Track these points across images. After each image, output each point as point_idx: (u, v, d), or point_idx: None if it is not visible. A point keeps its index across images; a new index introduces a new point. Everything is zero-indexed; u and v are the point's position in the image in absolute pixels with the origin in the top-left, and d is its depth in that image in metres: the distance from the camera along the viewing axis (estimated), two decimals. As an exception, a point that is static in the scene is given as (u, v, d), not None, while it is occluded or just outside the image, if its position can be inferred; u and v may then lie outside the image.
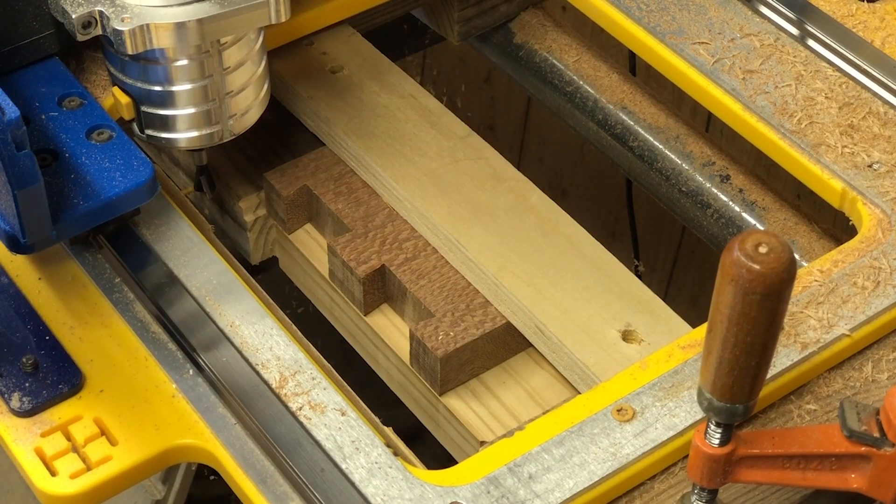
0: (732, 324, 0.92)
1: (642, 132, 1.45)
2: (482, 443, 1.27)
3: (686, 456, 1.05)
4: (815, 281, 1.20)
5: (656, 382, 1.14)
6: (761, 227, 1.37)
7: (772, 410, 1.15)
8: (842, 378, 1.17)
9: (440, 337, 1.29)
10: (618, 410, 1.12)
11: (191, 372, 1.16)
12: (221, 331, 1.18)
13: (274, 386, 1.14)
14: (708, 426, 1.00)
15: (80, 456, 1.11)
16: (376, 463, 1.09)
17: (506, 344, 1.33)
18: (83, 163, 1.22)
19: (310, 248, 1.42)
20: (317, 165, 1.43)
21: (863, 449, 1.01)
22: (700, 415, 1.09)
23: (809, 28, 1.41)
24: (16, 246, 1.16)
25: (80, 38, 1.19)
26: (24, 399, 1.13)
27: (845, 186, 1.28)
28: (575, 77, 1.50)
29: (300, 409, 1.13)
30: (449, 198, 1.38)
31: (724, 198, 1.40)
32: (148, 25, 1.18)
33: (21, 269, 1.22)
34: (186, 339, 1.18)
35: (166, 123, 1.28)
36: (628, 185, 1.88)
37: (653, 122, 1.45)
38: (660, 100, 1.48)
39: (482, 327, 1.31)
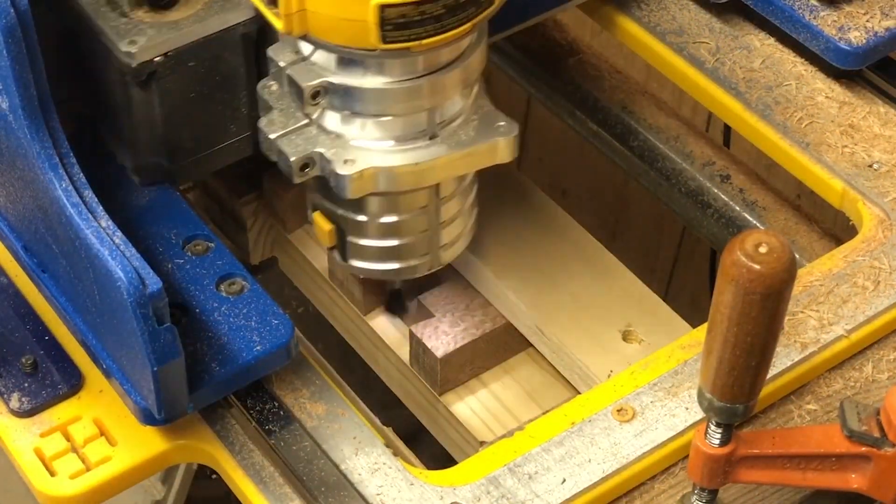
0: (732, 324, 0.92)
1: (642, 132, 1.45)
2: (482, 443, 1.27)
3: (686, 456, 1.05)
4: (815, 281, 1.20)
5: (656, 382, 1.14)
6: (761, 227, 1.37)
7: (772, 410, 1.15)
8: (842, 378, 1.17)
9: (440, 337, 1.29)
10: (618, 410, 1.12)
11: (191, 372, 1.16)
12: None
13: (274, 386, 1.14)
14: (708, 426, 1.00)
15: (80, 456, 1.11)
16: (376, 463, 1.09)
17: (506, 344, 1.32)
18: (216, 319, 1.10)
19: (310, 248, 1.42)
20: (317, 165, 1.42)
21: (863, 449, 1.01)
22: (700, 415, 1.09)
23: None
24: (149, 420, 1.08)
25: (296, 180, 1.09)
26: (23, 399, 1.13)
27: (845, 186, 1.28)
28: (575, 77, 1.50)
29: (300, 409, 1.13)
30: (449, 198, 1.38)
31: (724, 198, 1.39)
32: (372, 169, 1.09)
33: (21, 269, 1.22)
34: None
35: (374, 254, 1.20)
36: (712, 256, 1.84)
37: (653, 122, 1.45)
38: (660, 100, 1.48)
39: (482, 327, 1.31)
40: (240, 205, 1.42)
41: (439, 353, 1.28)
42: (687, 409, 1.12)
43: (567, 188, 2.20)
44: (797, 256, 1.33)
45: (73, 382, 1.14)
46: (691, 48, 1.39)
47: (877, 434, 1.00)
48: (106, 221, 1.03)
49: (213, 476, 1.15)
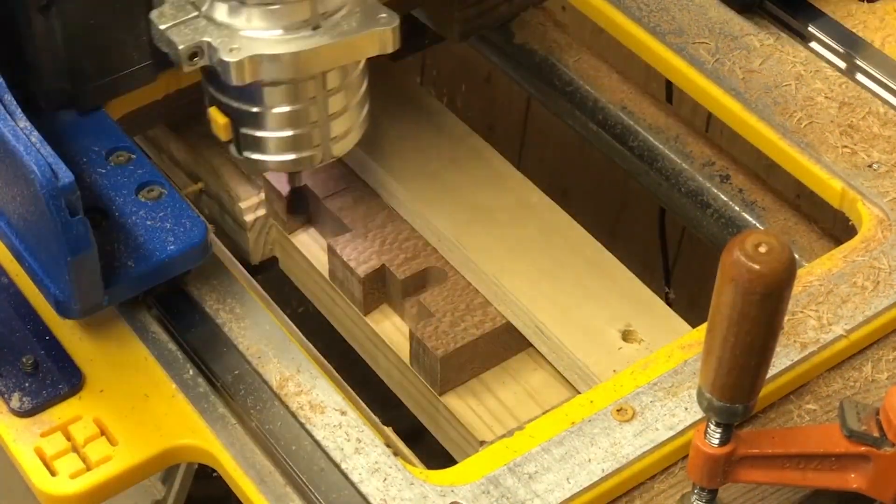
0: (732, 324, 0.92)
1: (642, 132, 1.45)
2: (482, 443, 1.27)
3: (686, 456, 1.05)
4: (815, 281, 1.20)
5: (656, 382, 1.14)
6: (761, 227, 1.37)
7: (772, 410, 1.15)
8: (841, 378, 1.17)
9: (440, 337, 1.29)
10: (618, 410, 1.12)
11: (191, 372, 1.16)
12: (221, 330, 1.18)
13: (274, 386, 1.14)
14: (708, 426, 1.00)
15: (80, 456, 1.11)
16: (376, 463, 1.09)
17: (506, 344, 1.33)
18: (134, 222, 1.17)
19: (310, 248, 1.42)
20: (317, 165, 1.43)
21: (863, 449, 1.01)
22: (700, 415, 1.09)
23: (809, 28, 1.41)
24: (65, 312, 1.13)
25: (186, 69, 1.15)
26: (24, 399, 1.13)
27: (845, 186, 1.28)
28: (575, 77, 1.50)
29: (300, 409, 1.13)
30: (449, 198, 1.38)
31: (724, 198, 1.40)
32: (256, 56, 1.14)
33: (21, 269, 1.22)
34: (186, 339, 1.18)
35: (266, 146, 1.24)
36: (661, 214, 1.86)
37: (653, 122, 1.45)
38: (660, 100, 1.48)
39: (482, 327, 1.31)
40: (240, 205, 1.43)
41: (439, 353, 1.28)
42: (686, 408, 1.12)
43: (567, 188, 2.20)
44: (797, 256, 1.33)
45: (73, 382, 1.14)
46: (691, 48, 1.39)
47: (876, 434, 1.00)
48: (24, 122, 1.09)
49: (214, 476, 1.15)
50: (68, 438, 1.12)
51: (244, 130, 1.23)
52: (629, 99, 1.47)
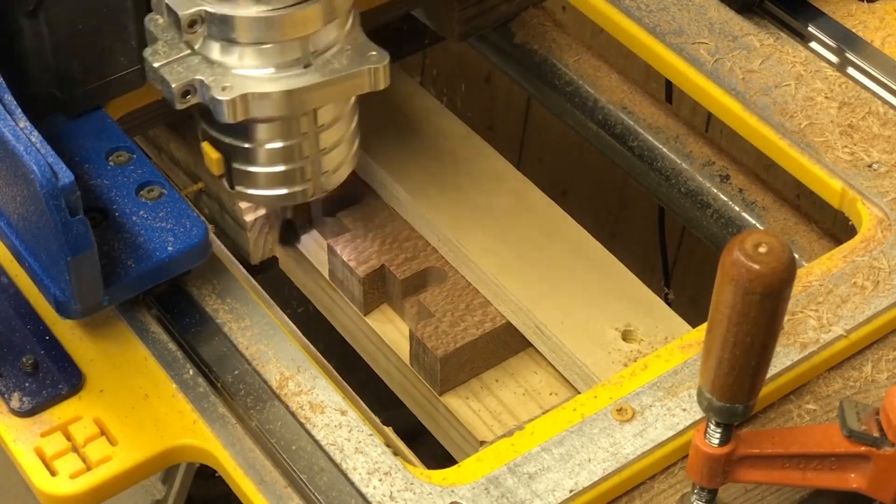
0: (732, 324, 0.92)
1: (642, 132, 1.45)
2: (482, 443, 1.27)
3: (686, 456, 1.05)
4: (815, 281, 1.20)
5: (656, 382, 1.14)
6: (761, 227, 1.37)
7: (772, 410, 1.15)
8: (841, 378, 1.17)
9: (440, 337, 1.29)
10: (618, 410, 1.12)
11: (191, 372, 1.16)
12: (221, 330, 1.18)
13: (274, 386, 1.14)
14: (708, 426, 1.00)
15: (80, 456, 1.11)
16: (376, 463, 1.09)
17: (506, 344, 1.33)
18: (134, 222, 1.17)
19: (310, 248, 1.42)
20: (317, 165, 1.43)
21: (862, 449, 1.01)
22: (700, 415, 1.09)
23: (809, 28, 1.41)
24: (65, 311, 1.13)
25: (178, 106, 1.15)
26: (24, 399, 1.13)
27: (845, 186, 1.28)
28: (575, 77, 1.50)
29: (300, 408, 1.13)
30: (449, 198, 1.38)
31: (724, 198, 1.40)
32: (248, 95, 1.14)
33: (21, 269, 1.22)
34: (186, 339, 1.18)
35: (258, 180, 1.24)
36: (661, 214, 1.86)
37: (653, 122, 1.45)
38: (660, 100, 1.48)
39: (482, 327, 1.31)
40: (240, 205, 1.42)
41: (439, 353, 1.28)
42: (686, 409, 1.12)
43: (567, 188, 2.20)
44: (797, 256, 1.33)
45: (73, 382, 1.14)
46: (691, 48, 1.39)
47: (876, 434, 1.00)
48: (24, 122, 1.08)
49: (214, 476, 1.15)
50: (68, 438, 1.12)
51: (236, 165, 1.23)
52: (629, 99, 1.47)
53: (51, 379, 1.14)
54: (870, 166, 1.29)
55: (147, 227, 1.17)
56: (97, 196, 1.19)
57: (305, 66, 1.17)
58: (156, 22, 1.18)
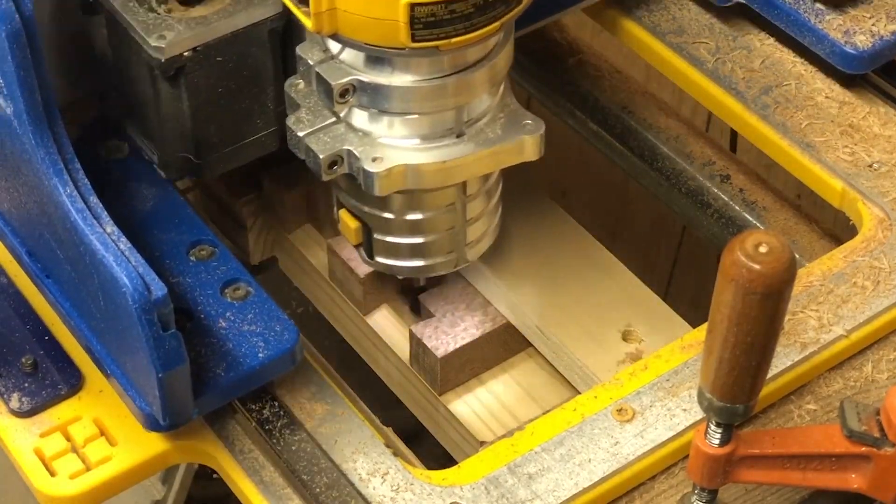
0: (732, 324, 0.92)
1: (642, 132, 1.45)
2: (482, 443, 1.27)
3: (686, 456, 1.05)
4: (815, 281, 1.20)
5: (656, 382, 1.14)
6: (762, 227, 1.37)
7: (772, 410, 1.15)
8: (842, 378, 1.17)
9: (440, 337, 1.29)
10: (618, 410, 1.12)
11: (191, 372, 1.16)
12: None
13: (276, 387, 1.14)
14: (708, 426, 1.00)
15: (80, 456, 1.11)
16: (376, 463, 1.09)
17: (506, 344, 1.32)
18: (221, 326, 1.10)
19: (310, 248, 1.42)
20: (317, 165, 1.42)
21: (863, 449, 1.01)
22: (700, 415, 1.09)
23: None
24: (154, 426, 1.08)
25: (324, 178, 1.10)
26: (23, 399, 1.13)
27: (845, 186, 1.28)
28: (575, 77, 1.50)
29: (300, 408, 1.13)
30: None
31: (724, 198, 1.40)
32: (401, 167, 1.10)
33: (21, 269, 1.22)
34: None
35: (400, 251, 1.21)
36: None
37: (653, 123, 1.45)
38: (660, 99, 1.48)
39: (482, 327, 1.31)
40: (240, 205, 1.42)
41: (439, 353, 1.28)
42: (686, 409, 1.12)
43: (567, 188, 2.20)
44: (797, 256, 1.33)
45: (73, 382, 1.14)
46: (691, 48, 1.39)
47: (876, 434, 1.00)
48: (111, 227, 1.03)
49: (214, 476, 1.15)
50: (68, 439, 1.12)
51: (377, 236, 1.19)
52: (629, 99, 1.47)
53: (50, 379, 1.14)
54: (870, 166, 1.29)
55: (235, 330, 1.10)
56: (181, 296, 1.11)
57: (458, 136, 1.12)
58: (296, 87, 1.13)
